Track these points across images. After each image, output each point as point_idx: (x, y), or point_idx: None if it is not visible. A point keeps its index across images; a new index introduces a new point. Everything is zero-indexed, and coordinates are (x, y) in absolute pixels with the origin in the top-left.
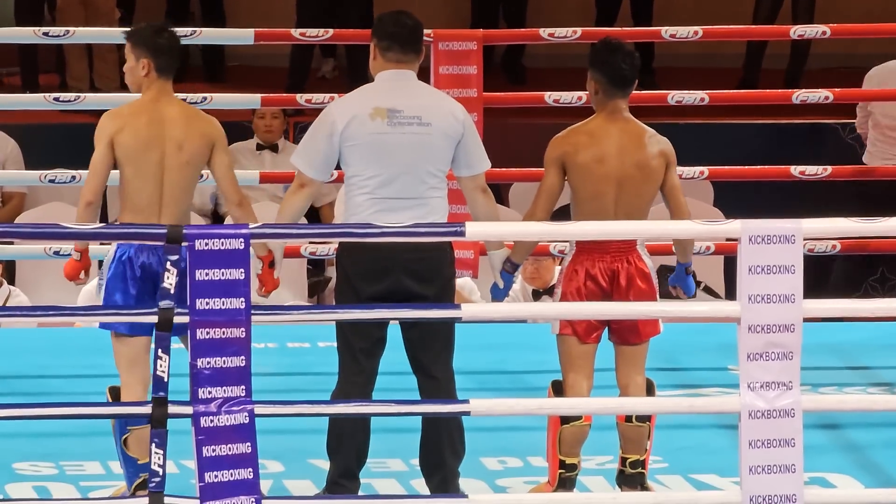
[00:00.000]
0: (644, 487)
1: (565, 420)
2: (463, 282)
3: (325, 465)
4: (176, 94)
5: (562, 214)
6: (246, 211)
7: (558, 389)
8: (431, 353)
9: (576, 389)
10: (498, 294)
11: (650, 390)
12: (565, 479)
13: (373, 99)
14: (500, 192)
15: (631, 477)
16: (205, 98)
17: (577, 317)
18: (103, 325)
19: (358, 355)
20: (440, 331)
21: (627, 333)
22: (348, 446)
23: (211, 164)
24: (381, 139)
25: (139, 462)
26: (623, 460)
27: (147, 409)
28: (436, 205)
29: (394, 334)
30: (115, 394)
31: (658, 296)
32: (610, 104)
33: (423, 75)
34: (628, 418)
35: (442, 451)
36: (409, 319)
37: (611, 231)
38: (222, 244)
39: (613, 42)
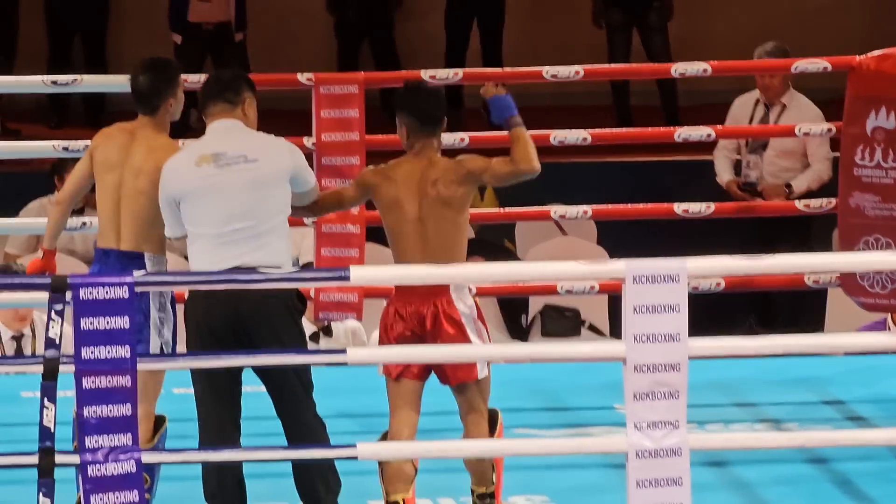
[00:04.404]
0: None
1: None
2: (352, 325)
3: None
4: (60, 142)
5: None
6: None
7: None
8: (293, 400)
9: (395, 430)
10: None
11: (493, 422)
12: None
13: (197, 150)
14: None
15: None
16: (87, 145)
17: (444, 360)
18: None
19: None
20: (297, 378)
21: (441, 376)
22: (225, 496)
23: None
24: (211, 182)
25: None
26: (472, 493)
27: (34, 459)
28: (275, 243)
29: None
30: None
31: (484, 339)
32: (417, 144)
33: (306, 119)
34: None
35: (316, 490)
36: (262, 367)
37: (503, 273)
38: (107, 293)
39: (414, 84)
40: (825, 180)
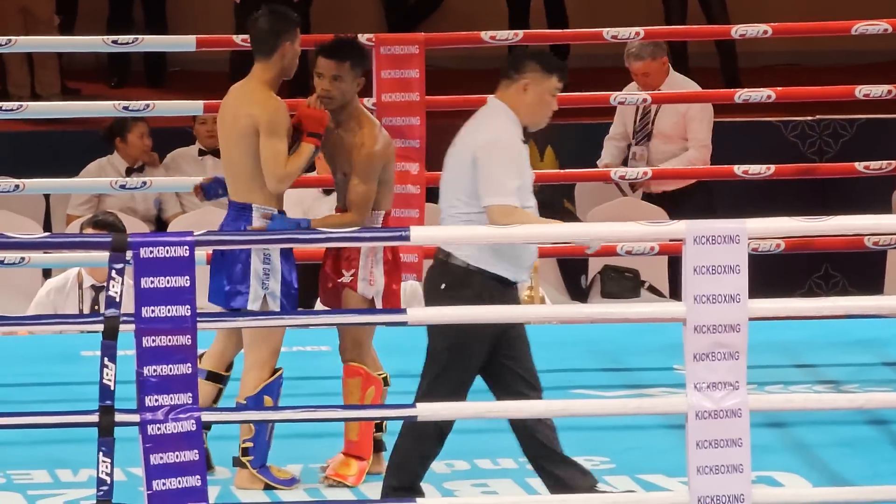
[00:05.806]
0: None
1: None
2: (412, 285)
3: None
4: (120, 102)
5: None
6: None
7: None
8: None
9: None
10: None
11: None
12: (379, 439)
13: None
14: None
15: None
16: (147, 105)
17: (520, 320)
18: None
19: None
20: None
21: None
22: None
23: None
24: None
25: None
26: None
27: (94, 418)
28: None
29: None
30: None
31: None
32: None
33: (367, 79)
34: None
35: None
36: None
37: (563, 233)
38: (167, 252)
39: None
40: (697, 165)
